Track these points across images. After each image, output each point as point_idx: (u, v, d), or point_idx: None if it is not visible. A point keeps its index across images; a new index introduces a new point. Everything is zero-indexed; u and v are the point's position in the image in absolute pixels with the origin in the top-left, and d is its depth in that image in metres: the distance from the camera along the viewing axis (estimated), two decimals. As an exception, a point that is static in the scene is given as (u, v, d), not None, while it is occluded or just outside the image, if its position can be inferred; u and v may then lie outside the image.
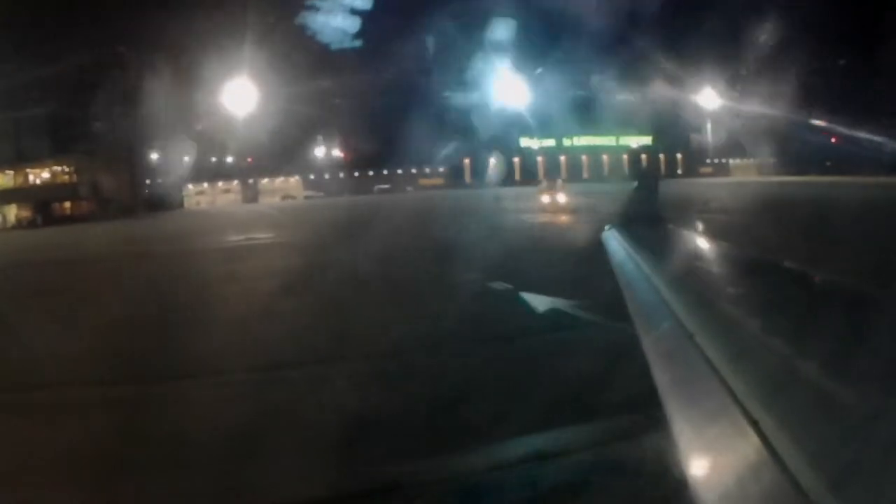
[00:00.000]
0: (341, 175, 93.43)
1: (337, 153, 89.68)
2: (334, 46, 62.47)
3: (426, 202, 49.67)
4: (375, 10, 59.10)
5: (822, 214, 21.89)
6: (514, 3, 50.98)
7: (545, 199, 30.63)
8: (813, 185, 41.66)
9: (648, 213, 6.08)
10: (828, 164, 61.17)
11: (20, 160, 68.41)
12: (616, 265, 4.44)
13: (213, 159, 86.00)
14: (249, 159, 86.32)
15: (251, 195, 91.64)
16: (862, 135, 44.84)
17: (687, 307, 2.92)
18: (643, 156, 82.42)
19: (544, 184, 35.08)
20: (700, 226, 13.35)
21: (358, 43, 63.87)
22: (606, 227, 5.83)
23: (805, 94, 48.61)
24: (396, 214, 31.48)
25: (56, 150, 67.40)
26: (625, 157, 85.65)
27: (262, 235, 29.00)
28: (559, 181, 35.84)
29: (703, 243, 5.64)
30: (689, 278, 3.68)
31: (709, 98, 64.70)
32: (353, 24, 62.55)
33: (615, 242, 5.17)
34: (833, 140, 53.87)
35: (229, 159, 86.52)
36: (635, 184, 7.04)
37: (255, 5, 57.73)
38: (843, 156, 53.51)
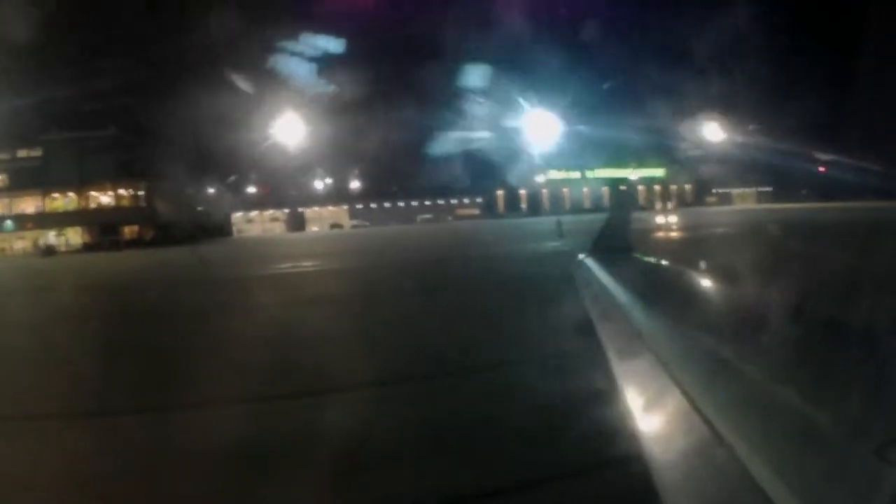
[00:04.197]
0: (386, 205, 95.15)
1: (366, 183, 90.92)
2: (374, 82, 63.85)
3: (512, 232, 46.19)
4: (410, 48, 60.56)
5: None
6: (541, 43, 53.45)
7: (660, 219, 36.67)
8: (789, 211, 46.22)
9: (620, 243, 6.17)
10: (804, 192, 69.81)
11: (82, 184, 70.00)
12: (589, 299, 4.43)
13: (255, 189, 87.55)
14: (266, 189, 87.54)
15: (297, 224, 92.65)
16: (847, 162, 47.98)
17: (651, 333, 3.14)
18: (622, 186, 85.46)
19: (659, 208, 40.73)
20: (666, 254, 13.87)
21: (395, 79, 65.18)
22: (580, 256, 5.89)
23: (798, 125, 52.14)
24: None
25: (118, 175, 68.93)
26: (640, 187, 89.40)
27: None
28: (670, 206, 41.11)
29: (667, 271, 5.74)
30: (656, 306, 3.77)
31: (714, 131, 67.24)
32: (392, 61, 63.79)
33: (587, 274, 5.19)
34: (821, 169, 57.32)
35: (252, 188, 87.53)
36: (609, 214, 7.08)
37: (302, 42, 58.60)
38: (827, 183, 58.13)
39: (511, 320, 10.75)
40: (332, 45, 55.31)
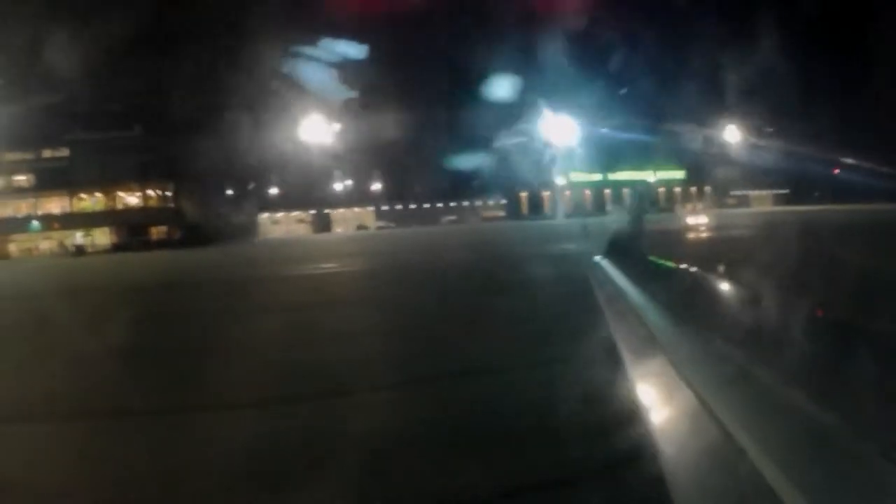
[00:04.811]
0: (411, 206, 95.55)
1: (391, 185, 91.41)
2: (398, 85, 64.51)
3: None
4: (434, 52, 60.98)
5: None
6: (564, 48, 54.81)
7: (691, 219, 38.01)
8: (807, 213, 46.99)
9: (633, 246, 6.35)
10: (816, 194, 71.49)
11: (109, 184, 70.03)
12: (605, 299, 4.87)
13: (278, 191, 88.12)
14: (281, 191, 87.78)
15: (323, 225, 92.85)
16: (863, 164, 49.87)
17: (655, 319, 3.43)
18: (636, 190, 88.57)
19: (689, 208, 42.79)
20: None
21: (418, 82, 66.10)
22: (596, 258, 6.26)
23: (813, 129, 55.60)
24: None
25: (144, 176, 68.91)
26: (660, 189, 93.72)
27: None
28: (700, 206, 43.14)
29: (680, 274, 6.04)
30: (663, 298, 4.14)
31: (733, 134, 71.12)
32: (418, 64, 64.37)
33: (603, 273, 5.50)
34: (834, 171, 60.12)
35: (276, 190, 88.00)
36: (623, 219, 7.39)
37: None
38: (840, 185, 60.73)
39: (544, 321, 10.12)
40: (356, 48, 55.73)
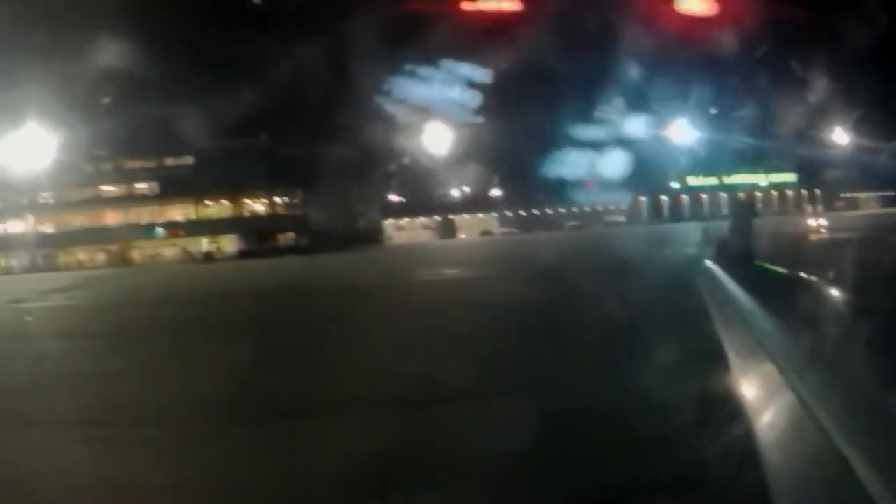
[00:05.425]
0: (534, 212, 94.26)
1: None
2: (519, 95, 64.68)
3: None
4: (552, 60, 60.21)
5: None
6: (681, 55, 54.11)
7: (811, 221, 39.87)
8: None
9: (742, 250, 6.60)
10: None
11: (234, 191, 70.76)
12: (712, 306, 5.52)
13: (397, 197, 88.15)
14: (395, 197, 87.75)
15: (447, 231, 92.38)
16: None
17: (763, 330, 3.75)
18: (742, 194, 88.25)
19: (809, 211, 42.12)
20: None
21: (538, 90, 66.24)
22: (704, 263, 6.96)
23: None
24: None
25: (270, 183, 69.43)
26: (773, 192, 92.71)
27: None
28: (820, 209, 45.44)
29: (787, 279, 6.42)
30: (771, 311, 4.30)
31: (841, 136, 70.46)
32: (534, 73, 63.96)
33: (711, 281, 6.04)
34: None
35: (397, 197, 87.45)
36: (731, 222, 8.04)
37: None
38: None
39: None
40: (477, 69, 55.31)
